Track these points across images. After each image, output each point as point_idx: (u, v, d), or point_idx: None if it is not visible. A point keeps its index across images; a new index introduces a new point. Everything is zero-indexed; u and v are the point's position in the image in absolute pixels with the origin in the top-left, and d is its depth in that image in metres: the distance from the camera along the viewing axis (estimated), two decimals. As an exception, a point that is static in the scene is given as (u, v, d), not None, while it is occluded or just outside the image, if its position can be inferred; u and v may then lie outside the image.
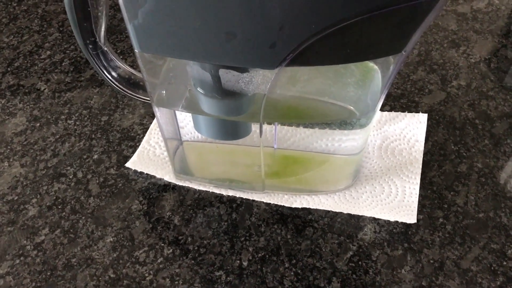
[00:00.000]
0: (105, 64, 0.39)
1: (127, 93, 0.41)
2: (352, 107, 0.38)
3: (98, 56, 0.39)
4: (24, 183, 0.45)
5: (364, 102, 0.38)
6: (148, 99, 0.41)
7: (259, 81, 0.33)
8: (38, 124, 0.50)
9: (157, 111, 0.40)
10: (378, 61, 0.36)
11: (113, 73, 0.40)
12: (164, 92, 0.39)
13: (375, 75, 0.37)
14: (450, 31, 0.58)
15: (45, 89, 0.54)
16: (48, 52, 0.58)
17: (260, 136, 0.38)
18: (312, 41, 0.29)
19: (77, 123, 0.50)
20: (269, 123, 0.41)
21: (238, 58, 0.31)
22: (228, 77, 0.33)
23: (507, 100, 0.50)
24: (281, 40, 0.29)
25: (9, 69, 0.57)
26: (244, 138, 0.40)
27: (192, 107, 0.38)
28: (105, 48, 0.39)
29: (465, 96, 0.51)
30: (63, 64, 0.57)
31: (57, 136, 0.49)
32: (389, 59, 0.34)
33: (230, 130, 0.40)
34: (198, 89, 0.36)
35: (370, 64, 0.37)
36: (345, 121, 0.39)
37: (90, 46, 0.38)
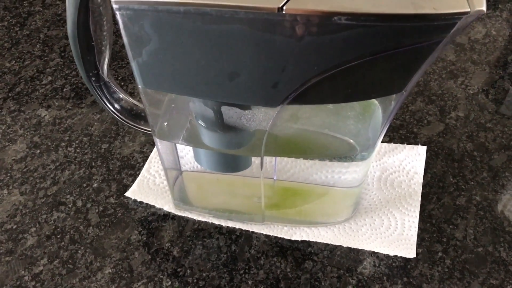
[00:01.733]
0: (108, 96, 0.39)
1: (129, 124, 0.41)
2: (352, 141, 0.38)
3: (101, 88, 0.39)
4: (23, 212, 0.45)
5: (365, 136, 0.39)
6: (150, 130, 0.41)
7: (261, 118, 0.33)
8: (38, 151, 0.50)
9: (158, 142, 0.40)
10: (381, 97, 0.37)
11: (116, 105, 0.40)
12: (165, 124, 0.39)
13: (375, 110, 0.37)
14: (448, 61, 0.59)
15: (45, 115, 0.54)
16: (50, 78, 0.59)
17: (261, 169, 0.38)
18: (314, 81, 0.29)
19: (78, 150, 0.50)
20: (281, 157, 0.42)
21: (241, 96, 0.31)
22: (230, 113, 0.33)
23: (505, 132, 0.50)
24: (284, 80, 0.29)
25: (10, 94, 0.57)
26: (249, 171, 0.40)
27: (193, 139, 0.38)
28: (108, 80, 0.39)
29: (464, 127, 0.51)
30: (64, 90, 0.57)
31: (57, 164, 0.49)
32: (391, 96, 0.34)
33: (231, 163, 0.40)
34: (200, 122, 0.36)
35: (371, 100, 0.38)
36: (341, 156, 0.40)
37: (93, 79, 0.38)
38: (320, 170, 0.43)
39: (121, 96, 0.40)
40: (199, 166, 0.42)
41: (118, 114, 0.40)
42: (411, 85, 0.32)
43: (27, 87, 0.58)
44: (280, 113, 0.32)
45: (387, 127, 0.37)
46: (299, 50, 0.28)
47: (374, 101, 0.37)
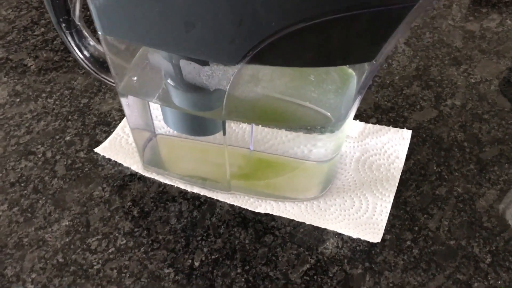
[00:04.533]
0: (78, 42, 0.38)
1: (99, 75, 0.40)
2: (323, 110, 0.36)
3: (72, 34, 0.38)
4: (-7, 157, 0.45)
5: (338, 107, 0.37)
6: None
7: (220, 76, 0.32)
8: (18, 100, 0.50)
9: (126, 99, 0.38)
10: (356, 66, 0.35)
11: (85, 52, 0.39)
12: (135, 79, 0.38)
13: (351, 81, 0.35)
14: (454, 47, 0.56)
15: (32, 65, 0.53)
16: (42, 29, 0.58)
17: (224, 135, 0.37)
18: (273, 39, 0.27)
19: (57, 102, 0.49)
20: (249, 124, 0.40)
21: (198, 50, 0.29)
22: (189, 68, 0.32)
23: (502, 125, 0.47)
24: (241, 36, 0.28)
25: (0, 42, 0.56)
26: (220, 137, 0.39)
27: (167, 99, 0.37)
28: (79, 26, 0.38)
29: (458, 116, 0.48)
30: (55, 42, 0.56)
31: (34, 114, 0.48)
32: (365, 67, 0.32)
33: (197, 126, 0.38)
34: (168, 80, 0.34)
35: (349, 70, 0.36)
36: (314, 127, 0.38)
37: (64, 25, 0.37)
38: (297, 143, 0.41)
39: (91, 43, 0.39)
40: (174, 131, 0.41)
41: (87, 62, 0.39)
42: (383, 56, 0.30)
43: (18, 36, 0.57)
44: (240, 72, 0.31)
45: (359, 100, 0.35)
46: (255, 3, 0.26)
47: (352, 72, 0.35)
